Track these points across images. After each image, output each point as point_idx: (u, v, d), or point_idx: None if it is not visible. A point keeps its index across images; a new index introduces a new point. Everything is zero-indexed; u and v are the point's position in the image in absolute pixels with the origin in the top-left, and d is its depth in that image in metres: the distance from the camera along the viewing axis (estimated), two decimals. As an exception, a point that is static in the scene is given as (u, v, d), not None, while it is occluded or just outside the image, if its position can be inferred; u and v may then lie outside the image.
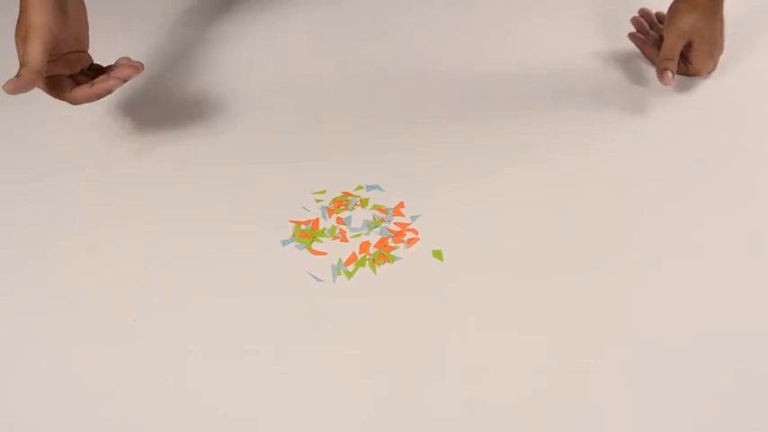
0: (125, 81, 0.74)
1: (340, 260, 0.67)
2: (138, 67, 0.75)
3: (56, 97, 0.74)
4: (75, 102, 0.74)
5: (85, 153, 0.79)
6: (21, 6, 0.71)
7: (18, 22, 0.71)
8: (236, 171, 0.76)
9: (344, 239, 0.69)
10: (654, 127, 0.81)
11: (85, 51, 0.76)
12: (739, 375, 0.58)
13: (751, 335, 0.61)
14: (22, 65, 0.69)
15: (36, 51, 0.69)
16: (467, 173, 0.76)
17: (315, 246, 0.68)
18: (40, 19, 0.69)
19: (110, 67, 0.76)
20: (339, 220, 0.71)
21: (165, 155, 0.79)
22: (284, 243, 0.69)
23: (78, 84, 0.73)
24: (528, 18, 0.99)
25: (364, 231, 0.70)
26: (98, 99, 0.74)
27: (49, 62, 0.70)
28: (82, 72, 0.75)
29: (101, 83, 0.73)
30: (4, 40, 0.74)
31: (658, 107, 0.83)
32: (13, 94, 0.68)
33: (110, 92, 0.74)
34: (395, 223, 0.70)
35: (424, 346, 0.60)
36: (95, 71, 0.76)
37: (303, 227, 0.70)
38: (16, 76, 0.68)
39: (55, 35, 0.71)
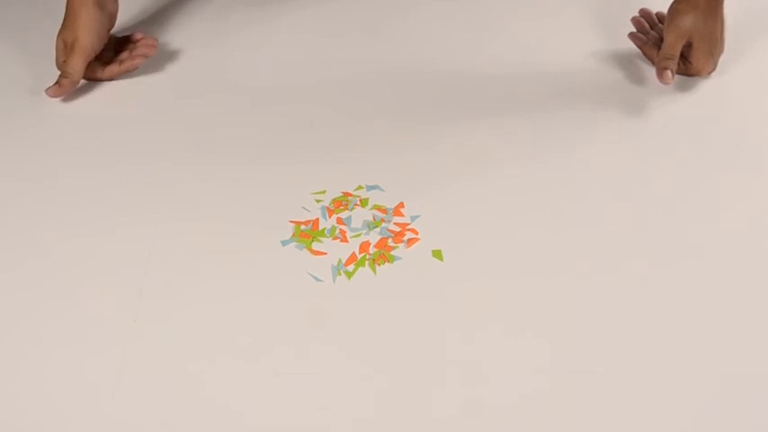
0: (146, 58, 0.88)
1: (340, 260, 0.67)
2: (155, 44, 0.89)
3: (89, 80, 0.87)
4: (105, 79, 0.88)
5: (85, 153, 0.79)
6: (70, 11, 0.84)
7: (65, 25, 0.84)
8: (236, 171, 0.76)
9: (344, 239, 0.69)
10: (654, 127, 0.81)
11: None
12: (740, 375, 0.58)
13: (753, 335, 0.61)
14: (63, 74, 0.83)
15: (79, 67, 0.83)
16: (467, 173, 0.76)
17: (315, 246, 0.68)
18: (89, 39, 0.84)
19: (126, 39, 0.90)
20: (339, 220, 0.71)
21: (164, 155, 0.79)
22: (284, 243, 0.69)
23: (101, 57, 0.87)
24: (528, 18, 0.99)
25: (364, 231, 0.70)
26: (126, 73, 0.88)
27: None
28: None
29: (128, 61, 0.87)
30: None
31: (658, 107, 0.83)
32: (53, 97, 0.83)
33: (136, 68, 0.88)
34: (395, 223, 0.70)
35: (423, 346, 0.60)
36: (113, 42, 0.89)
37: (303, 227, 0.70)
38: (57, 83, 0.83)
39: (96, 51, 0.85)
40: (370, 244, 0.69)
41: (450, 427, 0.55)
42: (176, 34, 0.96)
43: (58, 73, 0.84)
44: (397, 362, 0.59)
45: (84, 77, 0.85)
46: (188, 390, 0.58)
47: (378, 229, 0.70)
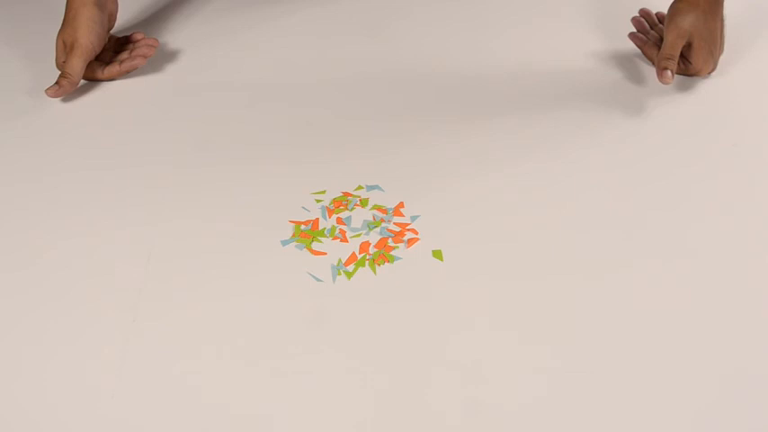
0: (146, 58, 0.88)
1: (340, 260, 0.67)
2: (155, 44, 0.89)
3: (88, 80, 0.87)
4: (105, 79, 0.88)
5: (85, 153, 0.79)
6: (69, 11, 0.84)
7: (65, 25, 0.84)
8: (236, 171, 0.76)
9: (344, 239, 0.69)
10: (654, 127, 0.81)
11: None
12: (740, 375, 0.58)
13: (753, 335, 0.61)
14: (63, 74, 0.83)
15: (79, 67, 0.83)
16: (467, 173, 0.76)
17: (315, 246, 0.68)
18: (88, 39, 0.84)
19: (126, 39, 0.91)
20: (339, 220, 0.71)
21: (164, 155, 0.79)
22: (284, 243, 0.69)
23: (101, 57, 0.88)
24: (528, 18, 0.99)
25: (364, 231, 0.70)
26: (126, 74, 0.88)
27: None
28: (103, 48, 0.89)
29: (128, 61, 0.87)
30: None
31: (658, 107, 0.83)
32: (53, 98, 0.83)
33: (136, 68, 0.88)
34: (395, 223, 0.70)
35: (423, 346, 0.60)
36: (113, 42, 0.91)
37: (303, 227, 0.70)
38: (57, 83, 0.83)
39: (96, 51, 0.85)
40: (370, 244, 0.69)
41: (450, 427, 0.55)
42: (176, 34, 0.96)
43: (58, 73, 0.84)
44: (397, 362, 0.59)
45: (83, 77, 0.85)
46: (188, 390, 0.58)
47: (378, 229, 0.70)
